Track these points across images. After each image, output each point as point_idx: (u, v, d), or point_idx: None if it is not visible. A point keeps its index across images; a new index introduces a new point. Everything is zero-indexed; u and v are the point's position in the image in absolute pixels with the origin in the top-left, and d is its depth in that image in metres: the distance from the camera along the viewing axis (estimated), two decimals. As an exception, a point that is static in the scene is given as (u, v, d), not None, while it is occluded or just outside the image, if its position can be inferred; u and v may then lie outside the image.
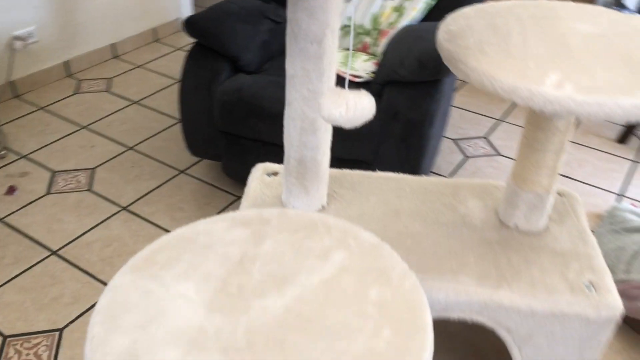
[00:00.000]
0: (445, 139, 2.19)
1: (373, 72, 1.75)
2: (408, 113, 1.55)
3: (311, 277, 0.46)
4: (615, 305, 0.57)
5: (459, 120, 2.32)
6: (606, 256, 1.53)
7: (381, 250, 0.49)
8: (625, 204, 1.72)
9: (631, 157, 2.12)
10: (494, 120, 2.32)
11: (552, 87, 0.46)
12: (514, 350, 0.61)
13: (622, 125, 2.27)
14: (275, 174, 0.74)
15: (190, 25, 1.71)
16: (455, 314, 0.59)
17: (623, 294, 1.44)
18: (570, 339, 0.60)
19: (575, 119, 0.59)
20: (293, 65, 0.55)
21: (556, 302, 0.57)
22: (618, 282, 1.46)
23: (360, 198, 0.68)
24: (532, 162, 0.62)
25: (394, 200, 0.69)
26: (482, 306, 0.58)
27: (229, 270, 0.46)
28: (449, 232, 0.65)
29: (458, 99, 2.47)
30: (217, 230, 0.51)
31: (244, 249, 0.48)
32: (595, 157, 2.12)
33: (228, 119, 1.71)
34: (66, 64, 2.52)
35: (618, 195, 1.92)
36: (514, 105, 2.42)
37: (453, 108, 2.40)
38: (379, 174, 0.72)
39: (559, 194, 0.70)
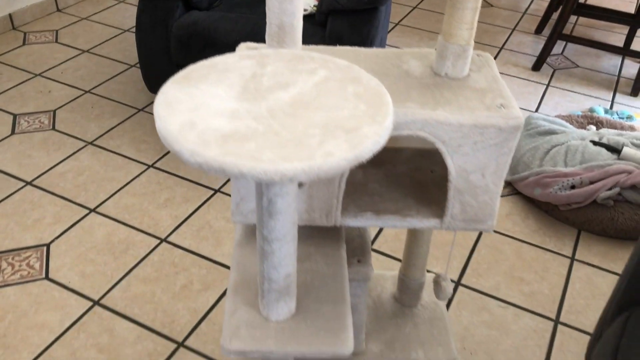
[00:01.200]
0: (382, 73, 2.39)
1: (315, 6, 1.92)
2: (351, 38, 1.74)
3: (306, 83, 0.64)
4: (518, 116, 0.79)
5: (394, 57, 2.52)
6: (523, 156, 1.80)
7: (352, 68, 0.68)
8: (538, 114, 1.99)
9: (545, 82, 2.41)
10: (425, 56, 2.54)
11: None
12: (447, 160, 0.82)
13: (536, 56, 2.55)
14: (255, 49, 0.91)
15: (144, -35, 1.82)
16: (405, 132, 0.79)
17: (538, 183, 1.70)
18: (489, 147, 0.81)
19: None
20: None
21: (477, 117, 0.78)
22: (533, 174, 1.73)
23: (327, 61, 0.86)
24: (455, 19, 0.82)
25: (353, 63, 0.88)
26: (424, 123, 0.78)
27: (245, 81, 0.64)
28: (396, 80, 0.84)
29: (391, 39, 2.68)
30: (230, 62, 0.68)
31: (253, 70, 0.66)
32: (514, 84, 2.39)
33: (185, 53, 1.84)
34: (10, 17, 2.55)
35: (534, 112, 2.19)
36: (442, 42, 2.65)
37: (389, 47, 2.61)
38: (339, 47, 0.91)
39: (477, 54, 0.91)
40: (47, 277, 1.45)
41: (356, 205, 0.89)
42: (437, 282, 1.00)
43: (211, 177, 1.80)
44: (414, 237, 1.05)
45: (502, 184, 0.84)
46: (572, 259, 1.59)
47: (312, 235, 0.92)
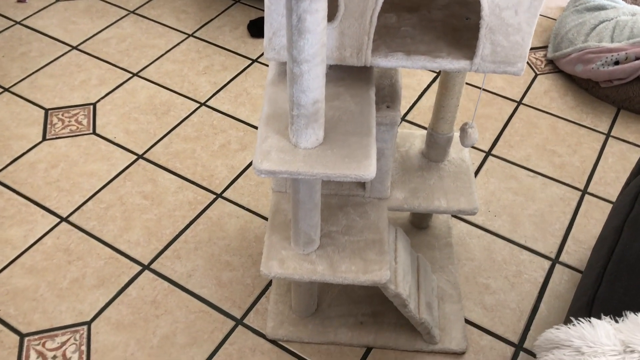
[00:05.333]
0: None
1: None
2: None
3: None
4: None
5: None
6: (568, 32, 1.74)
7: None
8: (590, -8, 1.89)
9: (601, -39, 2.26)
10: None
11: None
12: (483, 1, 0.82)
13: None
14: None
15: None
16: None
17: (580, 59, 1.66)
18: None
19: None
20: None
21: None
22: (576, 50, 1.68)
23: None
24: None
25: None
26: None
27: None
28: None
29: None
30: None
31: None
32: (568, -38, 2.26)
33: None
34: None
35: (585, -8, 2.09)
36: None
37: None
38: None
39: None
40: (94, 132, 1.54)
41: (387, 46, 0.90)
42: (463, 129, 1.03)
43: (249, 47, 1.82)
44: (445, 89, 1.06)
45: (534, 23, 0.84)
46: (608, 135, 1.57)
47: (343, 77, 0.95)
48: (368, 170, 0.81)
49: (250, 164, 1.47)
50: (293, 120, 0.81)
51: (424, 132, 1.22)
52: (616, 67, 1.59)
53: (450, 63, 0.89)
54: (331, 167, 0.81)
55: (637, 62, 1.58)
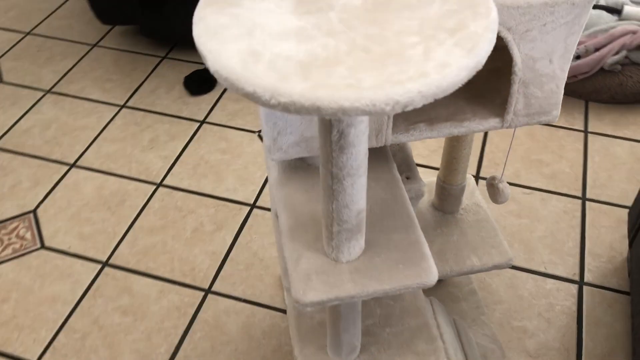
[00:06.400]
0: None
1: None
2: None
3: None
4: None
5: None
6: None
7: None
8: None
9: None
10: None
11: None
12: (513, 50, 0.72)
13: None
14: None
15: None
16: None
17: (539, 58, 1.61)
18: (559, 27, 0.71)
19: None
20: None
21: (549, -7, 0.67)
22: (534, 50, 1.63)
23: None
24: None
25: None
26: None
27: (298, -13, 0.50)
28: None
29: None
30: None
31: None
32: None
33: (135, -28, 1.62)
34: None
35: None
36: None
37: None
38: None
39: None
40: (43, 246, 1.32)
41: (405, 118, 0.78)
42: (492, 185, 0.93)
43: (192, 107, 1.65)
44: (457, 141, 0.96)
45: (568, 68, 0.75)
46: (586, 132, 1.54)
47: (356, 158, 0.82)
48: (430, 274, 0.69)
49: (232, 245, 1.31)
50: (333, 236, 0.67)
51: (429, 180, 1.12)
52: (579, 61, 1.55)
53: (479, 124, 0.78)
54: (387, 281, 0.68)
55: (597, 53, 1.55)
